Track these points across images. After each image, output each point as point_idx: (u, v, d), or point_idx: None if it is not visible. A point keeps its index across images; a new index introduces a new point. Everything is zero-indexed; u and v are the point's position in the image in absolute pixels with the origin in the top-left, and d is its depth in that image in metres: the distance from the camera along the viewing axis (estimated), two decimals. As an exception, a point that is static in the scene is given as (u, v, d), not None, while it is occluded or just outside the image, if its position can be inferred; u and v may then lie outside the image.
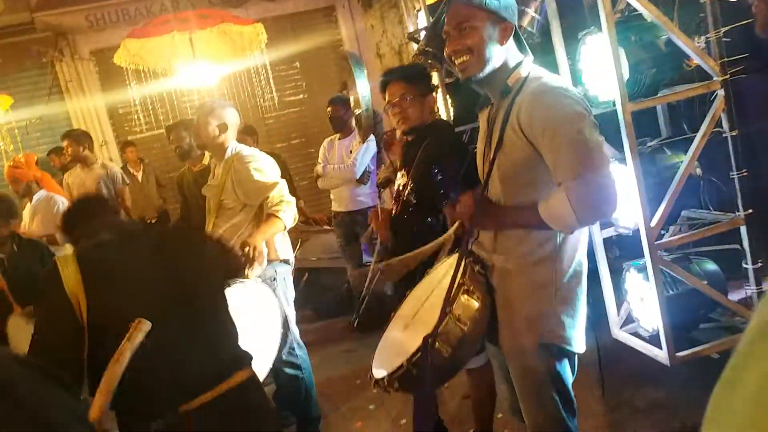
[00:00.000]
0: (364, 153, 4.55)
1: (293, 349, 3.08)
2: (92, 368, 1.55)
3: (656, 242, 2.28)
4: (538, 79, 1.75)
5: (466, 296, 1.74)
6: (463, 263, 1.80)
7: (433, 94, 2.64)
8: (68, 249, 4.65)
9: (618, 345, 2.89)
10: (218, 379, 1.66)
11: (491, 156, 1.79)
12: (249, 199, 2.96)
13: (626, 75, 2.22)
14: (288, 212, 2.94)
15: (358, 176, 4.58)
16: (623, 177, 2.36)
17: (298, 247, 5.17)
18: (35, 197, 4.47)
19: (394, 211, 2.67)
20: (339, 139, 4.72)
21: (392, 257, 2.58)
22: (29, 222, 4.47)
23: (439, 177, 2.44)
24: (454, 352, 1.70)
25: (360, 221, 4.65)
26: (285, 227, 2.97)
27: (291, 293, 3.15)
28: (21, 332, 2.75)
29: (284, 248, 3.12)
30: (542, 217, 1.68)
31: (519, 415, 1.97)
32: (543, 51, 2.60)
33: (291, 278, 3.20)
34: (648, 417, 2.81)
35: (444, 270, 2.06)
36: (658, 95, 2.36)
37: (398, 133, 2.74)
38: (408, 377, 1.70)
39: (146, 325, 1.35)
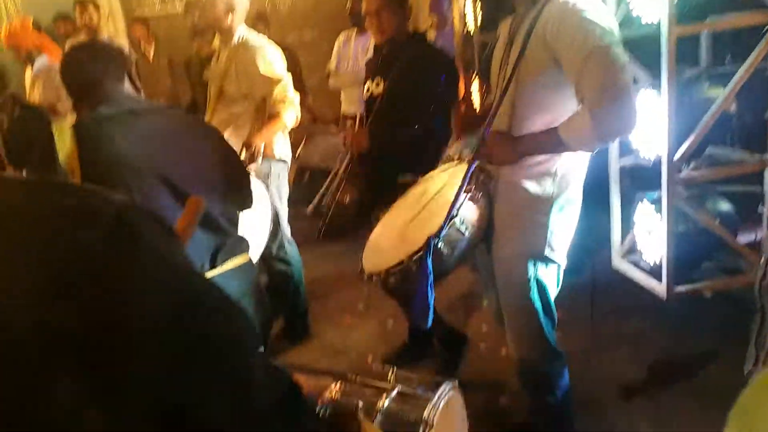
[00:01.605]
0: (381, 54, 4.36)
1: (283, 245, 3.10)
2: None
3: (676, 176, 2.21)
4: None
5: (471, 203, 1.83)
6: (471, 172, 1.84)
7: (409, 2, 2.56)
8: (69, 120, 4.53)
9: (616, 275, 2.90)
10: (214, 260, 1.69)
11: (511, 66, 1.78)
12: (252, 90, 2.85)
13: (677, -4, 2.06)
14: (290, 112, 2.85)
15: (371, 78, 4.41)
16: (654, 105, 2.26)
17: (302, 145, 5.08)
18: (36, 64, 4.29)
19: (364, 121, 2.63)
20: (356, 35, 4.51)
21: (362, 168, 2.57)
22: (30, 89, 4.33)
23: (421, 82, 2.43)
24: (452, 254, 1.80)
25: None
26: (286, 127, 2.88)
27: (285, 191, 3.13)
28: None
29: (282, 146, 3.06)
30: (562, 137, 1.70)
31: (503, 323, 2.06)
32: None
33: (286, 176, 3.16)
34: (630, 344, 2.87)
35: (443, 177, 2.12)
36: (707, 21, 2.20)
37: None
38: (407, 272, 1.79)
39: (202, 205, 1.31)
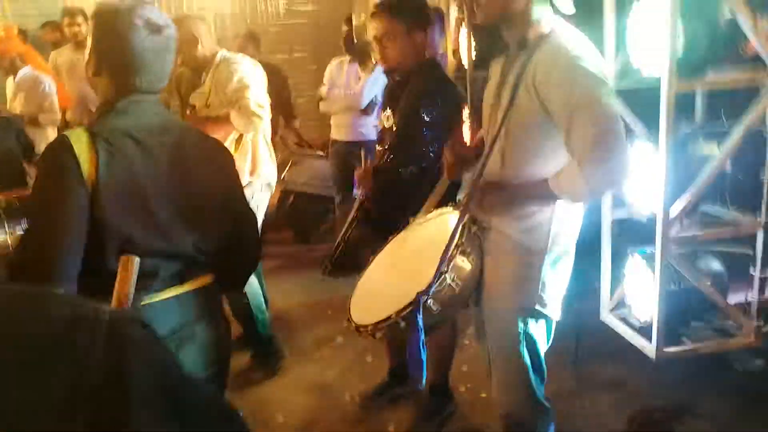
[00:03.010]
0: (374, 82, 4.32)
1: None
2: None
3: (670, 234, 2.18)
4: (559, 38, 1.66)
5: (462, 257, 1.77)
6: (462, 225, 1.79)
7: (426, 31, 2.46)
8: (49, 132, 4.39)
9: (602, 327, 2.86)
10: (182, 278, 1.55)
11: (502, 112, 1.73)
12: (228, 98, 2.90)
13: (679, 51, 2.04)
14: (240, 117, 2.87)
15: (363, 106, 4.37)
16: (650, 159, 2.24)
17: (287, 168, 5.01)
18: (20, 74, 4.19)
19: (379, 156, 2.55)
20: (349, 62, 4.47)
21: (372, 207, 2.49)
22: (11, 99, 4.22)
23: (427, 118, 2.34)
24: (443, 310, 1.73)
25: (357, 154, 4.46)
26: (234, 129, 2.91)
27: (261, 214, 3.11)
28: None
29: (267, 168, 3.12)
30: (553, 190, 1.66)
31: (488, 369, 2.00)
32: (589, 7, 2.39)
33: (267, 199, 3.21)
34: (612, 392, 2.83)
35: (435, 224, 2.05)
36: (707, 77, 2.18)
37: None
38: (395, 329, 1.73)
39: (136, 262, 1.16)
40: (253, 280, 3.14)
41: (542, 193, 1.70)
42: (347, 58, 4.49)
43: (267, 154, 3.09)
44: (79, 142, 1.37)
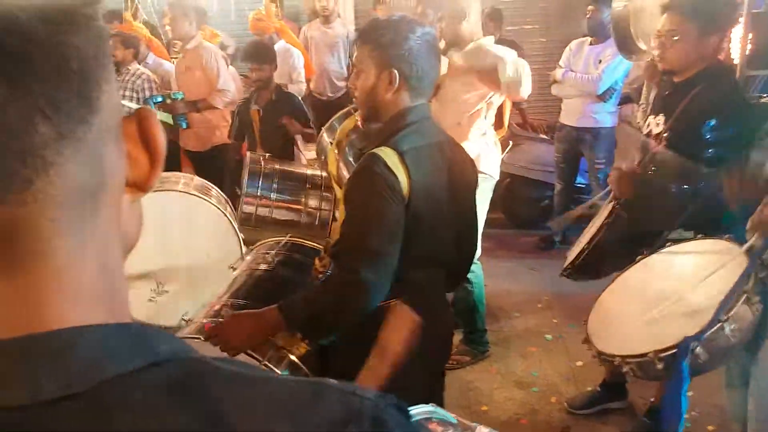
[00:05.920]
0: (616, 68, 3.99)
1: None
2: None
3: None
4: None
5: (745, 306, 1.59)
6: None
7: (723, 33, 2.14)
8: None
9: None
10: None
11: None
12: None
13: None
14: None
15: (600, 92, 4.08)
16: None
17: (508, 149, 4.90)
18: (275, 48, 4.62)
19: (642, 164, 2.29)
20: (590, 44, 4.18)
21: (626, 215, 2.27)
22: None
23: (709, 140, 2.03)
24: (711, 359, 1.59)
25: (587, 141, 4.23)
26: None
27: (485, 207, 3.08)
28: None
29: (493, 161, 3.07)
30: None
31: (742, 425, 1.82)
32: None
33: (491, 193, 3.15)
34: None
35: (702, 258, 1.84)
36: None
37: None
38: (648, 367, 1.62)
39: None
40: (480, 271, 3.17)
41: None
42: (588, 40, 4.20)
43: (494, 151, 3.05)
44: (393, 162, 1.42)
